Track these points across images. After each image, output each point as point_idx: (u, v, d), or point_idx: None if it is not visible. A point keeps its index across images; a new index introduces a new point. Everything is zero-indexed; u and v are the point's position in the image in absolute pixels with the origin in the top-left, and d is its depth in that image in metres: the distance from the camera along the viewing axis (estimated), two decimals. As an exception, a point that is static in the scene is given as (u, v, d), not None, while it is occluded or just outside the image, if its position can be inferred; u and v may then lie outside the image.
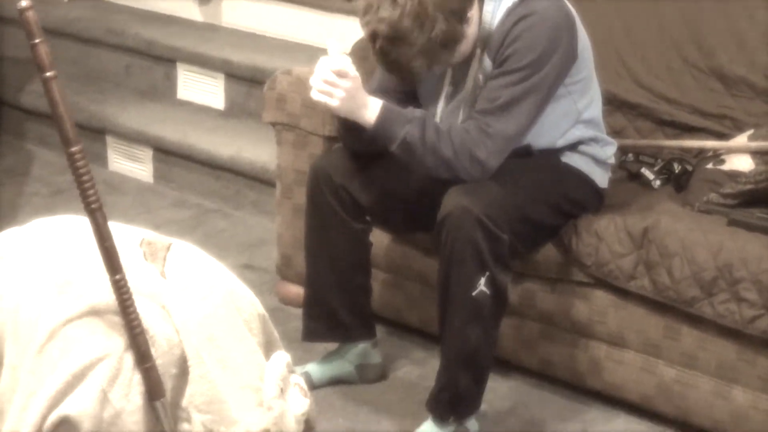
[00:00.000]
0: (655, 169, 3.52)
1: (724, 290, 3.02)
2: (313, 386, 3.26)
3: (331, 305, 3.33)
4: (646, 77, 3.70)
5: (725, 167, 3.38)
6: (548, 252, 3.26)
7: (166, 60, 4.97)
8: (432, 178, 3.05)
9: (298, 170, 3.64)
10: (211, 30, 5.14)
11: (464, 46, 3.01)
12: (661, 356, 3.20)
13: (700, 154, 3.54)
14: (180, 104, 4.96)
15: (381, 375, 3.48)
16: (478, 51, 3.05)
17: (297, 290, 3.64)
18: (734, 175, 3.33)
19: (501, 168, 3.01)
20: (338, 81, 2.94)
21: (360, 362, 3.43)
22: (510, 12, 3.00)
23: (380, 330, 3.53)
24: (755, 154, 3.34)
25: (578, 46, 3.07)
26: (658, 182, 3.49)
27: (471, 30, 3.01)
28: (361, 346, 3.42)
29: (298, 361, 3.16)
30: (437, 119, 3.14)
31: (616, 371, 3.29)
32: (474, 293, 2.96)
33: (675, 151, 3.58)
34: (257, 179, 4.41)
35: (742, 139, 3.46)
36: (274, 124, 3.71)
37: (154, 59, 5.01)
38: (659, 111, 3.70)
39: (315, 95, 2.99)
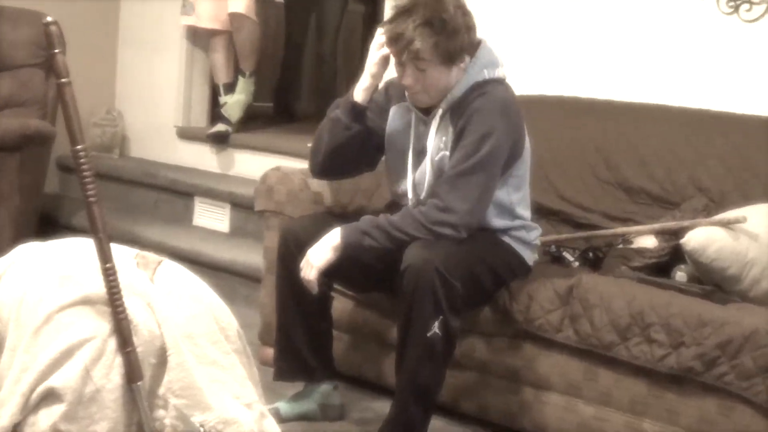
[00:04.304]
0: (575, 255, 3.12)
1: (637, 334, 2.60)
2: (281, 421, 2.72)
3: (299, 347, 2.85)
4: (566, 190, 3.36)
5: (634, 246, 3.03)
6: (487, 314, 2.83)
7: (186, 195, 4.60)
8: None
9: (280, 249, 3.17)
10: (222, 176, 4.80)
11: (438, 79, 2.64)
12: (581, 396, 2.71)
13: (611, 245, 3.13)
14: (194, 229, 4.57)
15: (341, 415, 2.93)
16: (440, 111, 2.67)
17: (275, 353, 3.11)
18: (641, 252, 2.98)
19: None
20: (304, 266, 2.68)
21: (322, 402, 2.89)
22: (474, 88, 2.64)
23: (341, 383, 2.99)
24: (658, 234, 2.98)
25: (524, 143, 2.72)
26: (576, 263, 3.09)
27: (452, 76, 2.65)
28: (324, 387, 2.89)
29: (270, 401, 2.63)
30: (409, 170, 2.77)
31: (543, 412, 2.77)
32: (429, 334, 2.53)
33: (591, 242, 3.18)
34: (249, 277, 3.95)
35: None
36: (263, 212, 3.27)
37: (177, 194, 4.65)
38: (576, 216, 3.33)
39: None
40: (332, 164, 2.83)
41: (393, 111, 2.82)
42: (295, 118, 5.57)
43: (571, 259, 3.08)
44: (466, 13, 2.63)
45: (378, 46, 2.68)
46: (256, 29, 4.66)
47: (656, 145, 3.27)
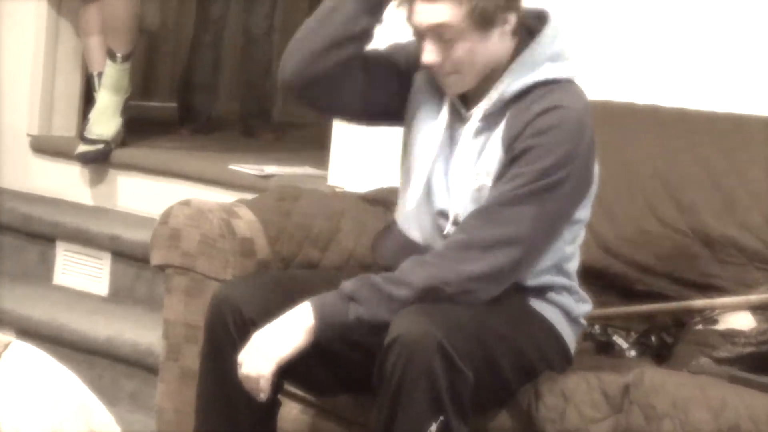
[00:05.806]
0: (630, 340, 3.22)
1: (730, 459, 2.62)
2: None
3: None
4: (615, 242, 3.44)
5: (719, 327, 3.11)
6: (501, 419, 2.84)
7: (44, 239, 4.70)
8: None
9: (189, 324, 3.18)
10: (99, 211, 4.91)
11: (471, 52, 2.70)
12: None
13: (683, 325, 3.24)
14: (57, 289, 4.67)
15: None
16: (483, 110, 2.77)
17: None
18: (731, 336, 3.03)
19: None
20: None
21: None
22: (530, 90, 2.74)
23: None
24: (757, 310, 3.06)
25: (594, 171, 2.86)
26: (633, 352, 3.17)
27: (493, 46, 2.72)
28: None
29: None
30: (417, 177, 2.86)
31: None
32: None
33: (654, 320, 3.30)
34: (139, 365, 4.03)
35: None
36: (163, 267, 3.25)
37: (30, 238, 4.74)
38: (630, 279, 3.42)
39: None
40: (313, 71, 2.82)
41: (418, 79, 2.88)
42: (209, 125, 5.69)
43: (624, 345, 3.16)
44: None
45: None
46: None
47: (751, 176, 3.35)
